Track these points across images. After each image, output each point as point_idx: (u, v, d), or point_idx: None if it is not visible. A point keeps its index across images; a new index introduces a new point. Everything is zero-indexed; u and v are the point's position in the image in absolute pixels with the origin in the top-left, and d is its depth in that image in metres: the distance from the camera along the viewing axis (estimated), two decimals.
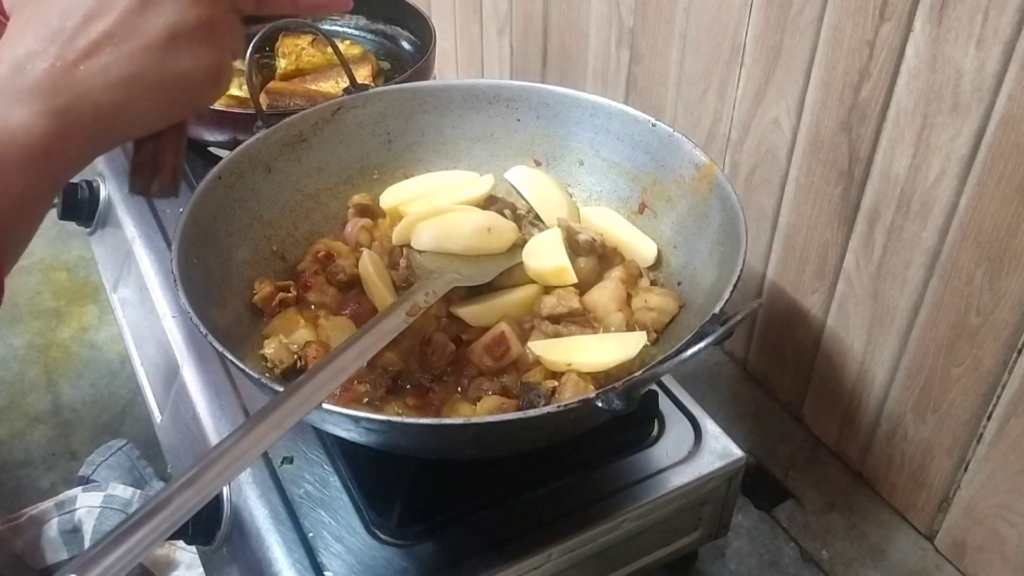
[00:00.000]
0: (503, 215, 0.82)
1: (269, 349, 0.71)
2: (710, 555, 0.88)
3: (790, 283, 0.94)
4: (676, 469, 0.74)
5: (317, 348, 0.72)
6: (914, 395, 0.83)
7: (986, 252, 0.71)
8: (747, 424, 1.00)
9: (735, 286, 0.63)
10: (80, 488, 0.99)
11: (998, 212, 0.69)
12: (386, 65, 1.23)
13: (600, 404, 0.55)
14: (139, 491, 1.00)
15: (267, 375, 0.68)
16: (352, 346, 0.58)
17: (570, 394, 0.65)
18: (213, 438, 0.79)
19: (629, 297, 0.76)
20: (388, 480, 0.71)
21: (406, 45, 1.27)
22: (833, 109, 0.80)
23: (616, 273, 0.77)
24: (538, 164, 0.88)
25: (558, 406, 0.56)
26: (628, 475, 0.74)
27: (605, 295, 0.75)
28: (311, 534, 0.69)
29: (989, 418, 0.76)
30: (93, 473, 1.10)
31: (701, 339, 0.55)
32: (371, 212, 0.85)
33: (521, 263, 0.78)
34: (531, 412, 0.56)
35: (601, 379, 0.67)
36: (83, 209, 1.14)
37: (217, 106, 1.06)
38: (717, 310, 0.60)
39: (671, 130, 0.79)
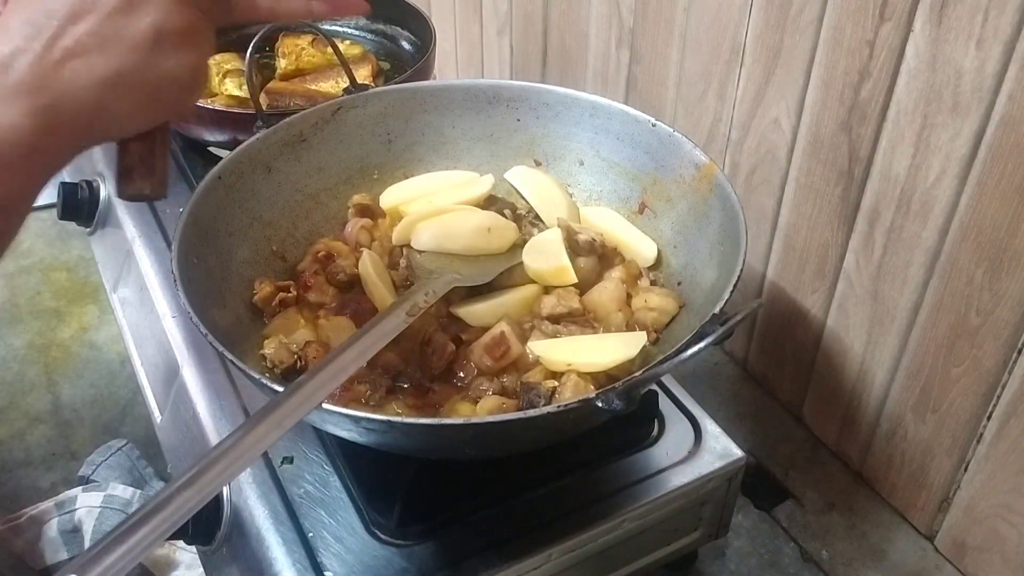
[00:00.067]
0: (503, 215, 0.82)
1: (269, 349, 0.71)
2: (710, 555, 0.88)
3: (790, 283, 0.94)
4: (676, 469, 0.74)
5: (317, 348, 0.72)
6: (914, 395, 0.83)
7: (986, 252, 0.71)
8: (747, 424, 1.00)
9: (735, 286, 0.63)
10: (80, 488, 0.99)
11: (998, 212, 0.69)
12: (386, 65, 1.23)
13: (600, 404, 0.55)
14: (139, 491, 1.00)
15: (267, 375, 0.68)
16: (352, 346, 0.58)
17: (570, 394, 0.65)
18: (213, 438, 0.79)
19: (629, 297, 0.76)
20: (388, 480, 0.71)
21: (406, 45, 1.27)
22: (833, 109, 0.80)
23: (616, 273, 0.77)
24: (538, 164, 0.88)
25: (558, 406, 0.56)
26: (628, 475, 0.74)
27: (605, 295, 0.75)
28: (311, 534, 0.69)
29: (989, 418, 0.76)
30: (93, 473, 1.10)
31: (701, 339, 0.55)
32: (371, 212, 0.85)
33: (521, 263, 0.78)
34: (531, 412, 0.56)
35: (601, 379, 0.67)
36: (83, 209, 1.14)
37: (217, 106, 1.06)
38: (717, 310, 0.60)
39: (671, 130, 0.79)
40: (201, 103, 1.03)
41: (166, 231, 1.01)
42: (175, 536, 0.61)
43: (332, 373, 0.55)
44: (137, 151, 0.53)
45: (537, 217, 0.85)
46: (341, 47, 1.05)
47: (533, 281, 0.77)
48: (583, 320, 0.74)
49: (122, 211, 1.07)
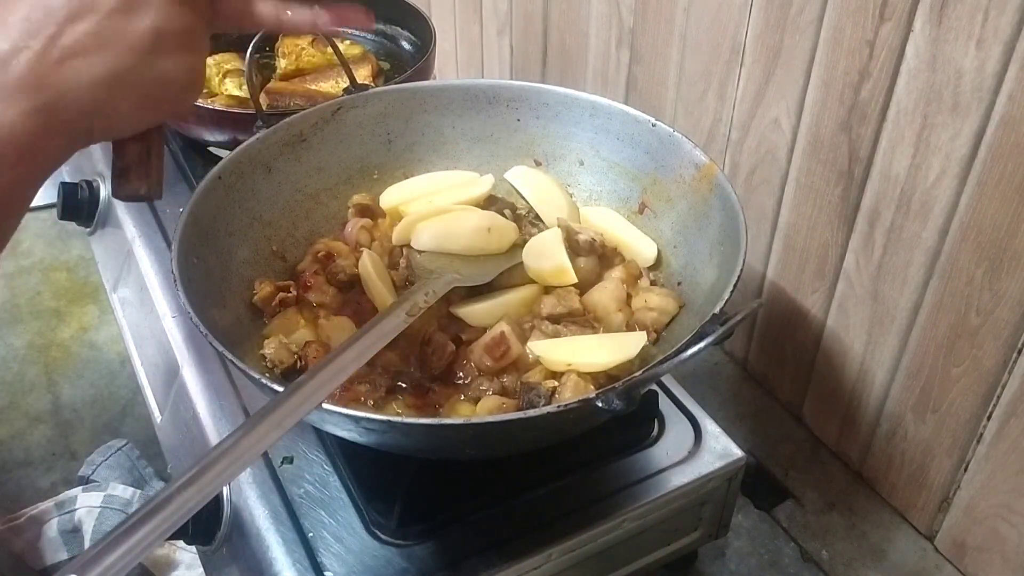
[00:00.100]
0: (503, 215, 0.82)
1: (269, 349, 0.71)
2: (710, 555, 0.88)
3: (790, 283, 0.94)
4: (676, 469, 0.74)
5: (317, 348, 0.72)
6: (914, 395, 0.83)
7: (986, 252, 0.71)
8: (747, 424, 1.00)
9: (735, 286, 0.63)
10: (80, 488, 0.99)
11: (998, 212, 0.69)
12: (386, 65, 1.23)
13: (600, 404, 0.55)
14: (139, 491, 1.00)
15: (267, 375, 0.68)
16: (352, 346, 0.58)
17: (570, 394, 0.65)
18: (213, 438, 0.79)
19: (629, 297, 0.76)
20: (388, 480, 0.71)
21: (406, 45, 1.27)
22: (833, 109, 0.80)
23: (616, 273, 0.77)
24: (538, 164, 0.88)
25: (558, 406, 0.56)
26: (628, 475, 0.74)
27: (605, 295, 0.75)
28: (311, 534, 0.69)
29: (989, 418, 0.76)
30: (93, 473, 1.10)
31: (701, 339, 0.55)
32: (371, 212, 0.85)
33: (521, 263, 0.78)
34: (531, 412, 0.56)
35: (601, 379, 0.67)
36: (83, 209, 1.14)
37: (217, 106, 1.06)
38: (717, 310, 0.60)
39: (671, 130, 0.79)
40: (201, 103, 1.04)
41: (166, 231, 1.01)
42: (175, 536, 0.61)
43: (332, 373, 0.55)
44: (133, 152, 0.54)
45: (537, 217, 0.85)
46: (341, 47, 1.05)
47: (533, 281, 0.77)
48: (583, 320, 0.74)
49: (122, 211, 1.07)
